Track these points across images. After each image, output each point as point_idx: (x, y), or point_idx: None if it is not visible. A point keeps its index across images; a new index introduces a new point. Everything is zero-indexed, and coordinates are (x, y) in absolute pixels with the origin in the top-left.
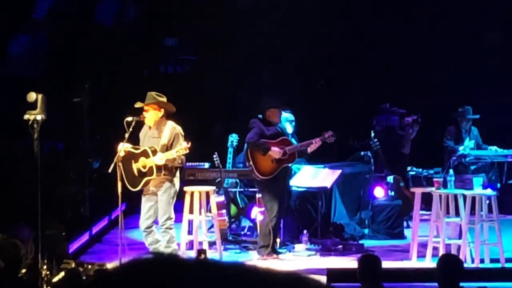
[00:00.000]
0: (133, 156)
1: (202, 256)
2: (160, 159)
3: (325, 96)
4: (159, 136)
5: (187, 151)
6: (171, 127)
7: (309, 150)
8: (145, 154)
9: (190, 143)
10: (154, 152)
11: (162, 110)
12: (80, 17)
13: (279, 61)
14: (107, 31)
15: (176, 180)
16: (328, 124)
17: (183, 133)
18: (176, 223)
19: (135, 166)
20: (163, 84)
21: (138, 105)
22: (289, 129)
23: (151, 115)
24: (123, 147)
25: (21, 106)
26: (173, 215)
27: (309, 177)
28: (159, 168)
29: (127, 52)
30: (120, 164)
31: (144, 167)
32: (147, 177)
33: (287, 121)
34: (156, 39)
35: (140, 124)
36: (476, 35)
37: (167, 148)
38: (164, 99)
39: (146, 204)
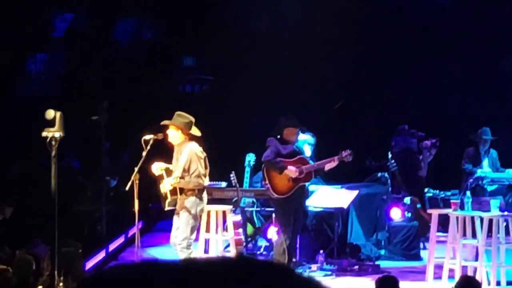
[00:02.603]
0: (160, 178)
1: None
2: (168, 183)
3: (343, 116)
4: (178, 158)
5: (177, 180)
6: (189, 150)
7: (326, 168)
8: (162, 177)
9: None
10: (169, 175)
11: (180, 131)
12: (98, 36)
13: (297, 80)
14: (125, 50)
15: (198, 202)
16: (345, 145)
17: (202, 156)
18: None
19: (162, 187)
20: (181, 104)
21: (164, 122)
22: (307, 152)
23: (171, 134)
24: (159, 166)
25: (39, 124)
26: (192, 236)
27: (326, 197)
28: (172, 191)
29: (144, 71)
30: (137, 182)
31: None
32: (167, 199)
33: (306, 143)
34: (174, 58)
35: (158, 144)
36: (495, 59)
37: (185, 170)
38: (187, 120)
39: (175, 222)
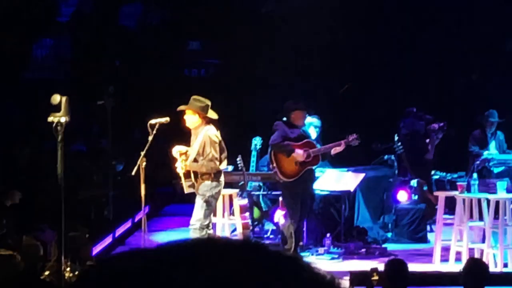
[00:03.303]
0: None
1: None
2: (178, 166)
3: (349, 99)
4: (193, 141)
5: (183, 163)
6: (204, 134)
7: (333, 152)
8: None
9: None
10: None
11: (197, 115)
12: (104, 21)
13: (302, 64)
14: (131, 34)
15: (214, 185)
16: (351, 128)
17: (217, 140)
18: None
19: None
20: (187, 88)
21: (180, 108)
22: (313, 134)
23: (188, 119)
24: (179, 150)
25: (45, 109)
26: (207, 220)
27: (333, 180)
28: (186, 174)
29: (150, 55)
30: (143, 166)
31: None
32: (181, 182)
33: (312, 125)
34: (180, 42)
35: (178, 127)
36: (501, 40)
37: (199, 154)
38: (203, 103)
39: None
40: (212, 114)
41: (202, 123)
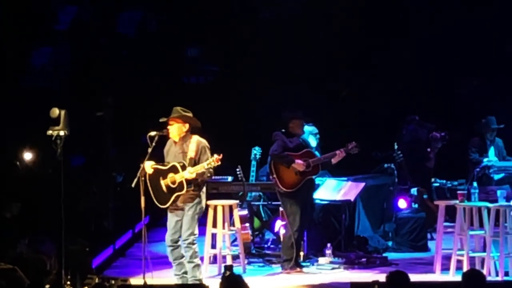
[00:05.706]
0: (161, 173)
1: (228, 272)
2: (190, 172)
3: (348, 108)
4: (184, 151)
5: (219, 162)
6: (197, 141)
7: (333, 161)
8: (174, 169)
9: (221, 155)
10: (183, 167)
11: (187, 125)
12: (103, 29)
13: (301, 72)
14: (130, 42)
15: (203, 196)
16: (350, 136)
17: (209, 146)
18: (200, 236)
19: (163, 183)
20: (186, 95)
21: (163, 119)
22: (313, 142)
23: (176, 129)
24: (150, 165)
25: (44, 118)
26: (196, 231)
27: (333, 190)
28: (189, 182)
29: (149, 62)
30: (143, 178)
31: (174, 182)
32: (177, 192)
33: (310, 134)
34: (179, 49)
35: (162, 140)
36: (500, 45)
37: (195, 161)
38: (190, 114)
39: (172, 219)
40: (197, 123)
41: (187, 133)
